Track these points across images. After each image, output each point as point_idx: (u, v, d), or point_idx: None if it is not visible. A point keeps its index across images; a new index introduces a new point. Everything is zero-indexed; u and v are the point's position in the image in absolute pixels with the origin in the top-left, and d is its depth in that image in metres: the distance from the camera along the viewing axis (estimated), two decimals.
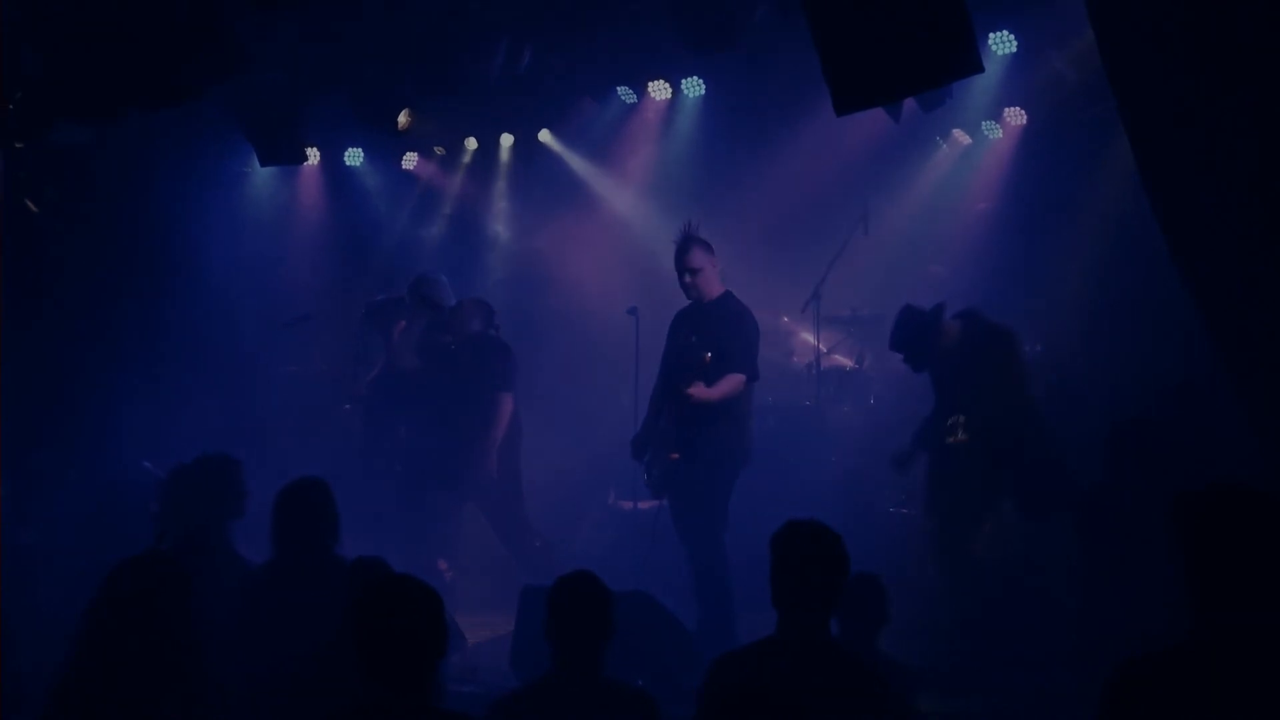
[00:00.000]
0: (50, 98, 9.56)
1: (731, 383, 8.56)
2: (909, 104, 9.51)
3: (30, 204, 10.47)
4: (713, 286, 8.82)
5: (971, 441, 8.18)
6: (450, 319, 10.41)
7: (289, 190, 13.00)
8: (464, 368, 10.21)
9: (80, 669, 4.99)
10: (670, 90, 11.59)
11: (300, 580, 6.20)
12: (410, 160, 12.80)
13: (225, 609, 6.08)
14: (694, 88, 11.47)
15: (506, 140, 12.61)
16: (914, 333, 8.35)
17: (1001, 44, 9.87)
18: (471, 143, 12.70)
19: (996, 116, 11.01)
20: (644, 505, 9.98)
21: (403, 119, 11.25)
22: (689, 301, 8.90)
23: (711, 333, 8.67)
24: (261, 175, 12.46)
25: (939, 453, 8.42)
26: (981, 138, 11.23)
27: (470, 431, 10.07)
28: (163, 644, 4.96)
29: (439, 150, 12.83)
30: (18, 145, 10.13)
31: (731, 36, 9.64)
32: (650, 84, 11.58)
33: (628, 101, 11.85)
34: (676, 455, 8.68)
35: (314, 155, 12.35)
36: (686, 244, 8.76)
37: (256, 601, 6.29)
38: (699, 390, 8.45)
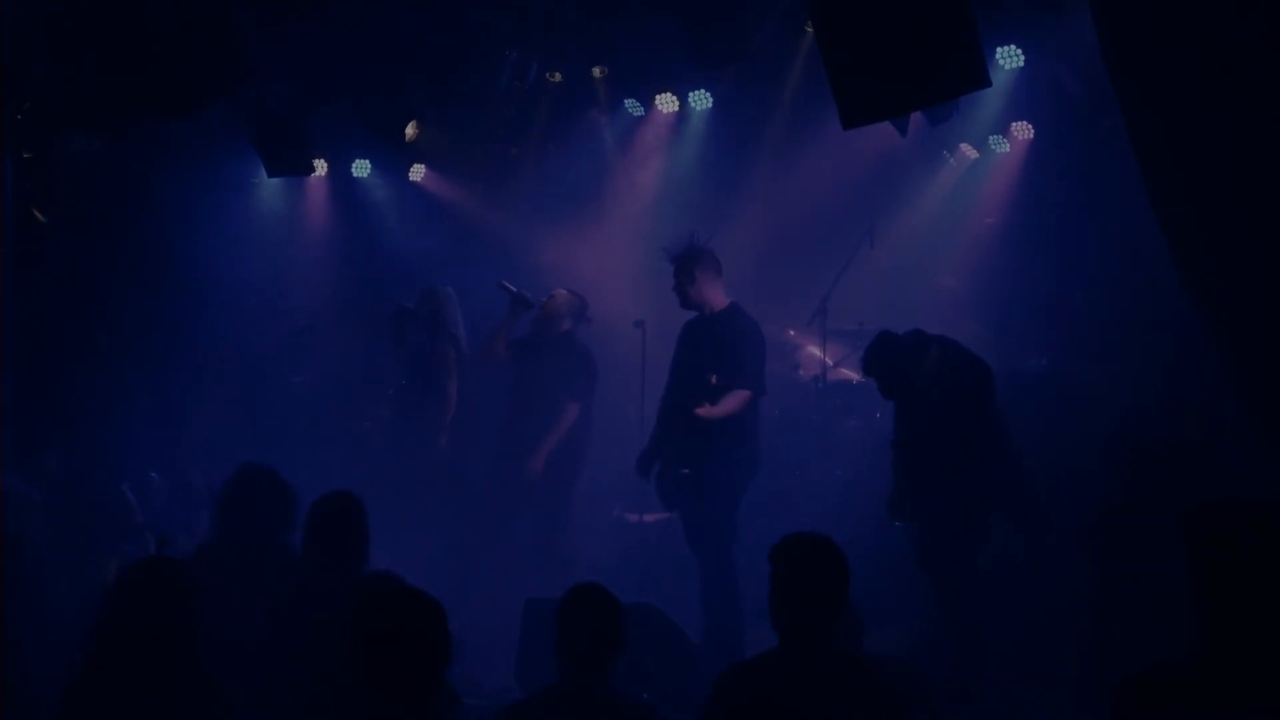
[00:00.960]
0: (58, 108, 9.61)
1: (738, 399, 8.58)
2: (916, 118, 9.50)
3: (38, 213, 10.47)
4: (715, 298, 8.84)
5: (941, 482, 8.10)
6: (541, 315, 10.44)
7: (296, 201, 13.02)
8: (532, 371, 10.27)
9: (91, 671, 5.02)
10: (678, 103, 11.64)
11: (326, 595, 6.07)
12: (417, 172, 12.81)
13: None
14: (701, 100, 11.52)
15: (514, 151, 12.63)
16: (890, 361, 8.26)
17: (1009, 59, 9.89)
18: (478, 154, 12.72)
19: (1004, 131, 11.02)
20: (650, 518, 9.99)
21: (410, 131, 11.29)
22: (694, 314, 8.93)
23: (718, 347, 8.68)
24: (269, 186, 12.48)
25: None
26: (989, 152, 11.24)
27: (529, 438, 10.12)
28: (170, 648, 4.98)
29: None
30: (26, 155, 10.16)
31: (739, 51, 9.68)
32: (658, 96, 11.64)
33: (635, 114, 11.89)
34: (687, 470, 8.70)
35: (321, 166, 12.38)
36: (681, 253, 8.80)
37: (279, 614, 6.21)
38: (707, 410, 8.49)
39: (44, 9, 8.81)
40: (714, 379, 8.55)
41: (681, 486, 8.77)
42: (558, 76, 11.29)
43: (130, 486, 9.75)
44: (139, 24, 8.57)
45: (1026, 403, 8.70)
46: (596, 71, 11.25)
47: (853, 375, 11.17)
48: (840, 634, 6.00)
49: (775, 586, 4.83)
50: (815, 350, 11.15)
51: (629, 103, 11.78)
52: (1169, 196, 6.28)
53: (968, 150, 11.35)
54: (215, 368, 11.83)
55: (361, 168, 12.90)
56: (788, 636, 4.82)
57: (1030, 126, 10.87)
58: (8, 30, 9.01)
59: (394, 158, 12.47)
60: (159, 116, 9.59)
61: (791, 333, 11.46)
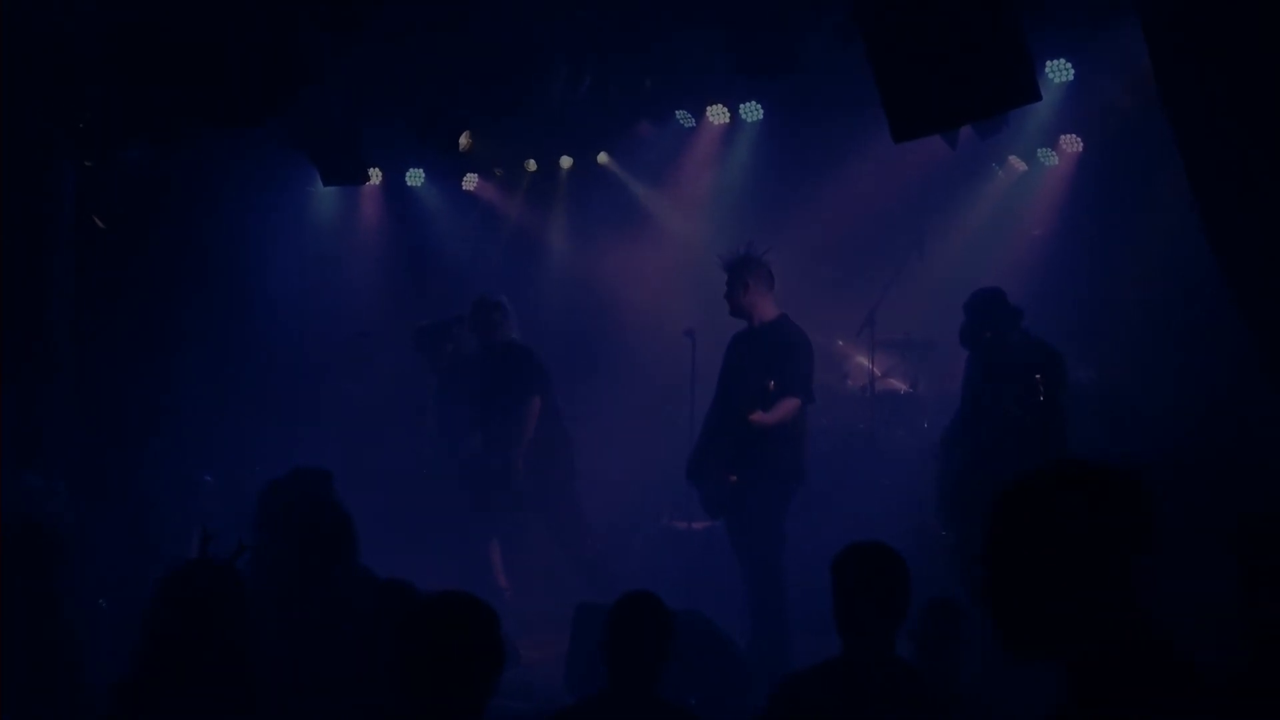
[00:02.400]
0: (119, 118, 9.75)
1: (788, 407, 8.64)
2: (965, 131, 9.52)
3: (98, 221, 10.63)
4: (765, 309, 8.91)
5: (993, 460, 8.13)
6: (474, 326, 10.62)
7: (351, 210, 13.17)
8: (492, 376, 10.40)
9: (141, 671, 5.07)
10: (728, 115, 11.68)
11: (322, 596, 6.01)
12: (470, 181, 12.92)
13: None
14: (752, 112, 11.57)
15: (566, 162, 12.73)
16: (990, 306, 8.32)
17: (1058, 72, 9.90)
18: (531, 164, 12.83)
19: (1053, 144, 11.05)
20: (698, 525, 10.06)
21: (463, 141, 11.42)
22: (744, 324, 9.00)
23: (768, 357, 8.75)
24: (324, 195, 12.64)
25: (963, 466, 8.39)
26: (1038, 164, 11.26)
27: (506, 439, 10.24)
28: (219, 649, 5.02)
29: (498, 172, 12.96)
30: (87, 164, 10.31)
31: (789, 63, 9.72)
32: (709, 108, 11.68)
33: (686, 125, 11.95)
34: (735, 478, 8.76)
35: (376, 175, 12.52)
36: (736, 261, 8.89)
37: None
38: (759, 416, 8.56)
39: (105, 21, 8.95)
40: (771, 384, 8.63)
41: (728, 494, 8.85)
42: (610, 88, 11.37)
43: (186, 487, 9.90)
44: (197, 36, 8.70)
45: (1072, 413, 8.71)
46: (648, 83, 11.32)
47: (900, 385, 11.21)
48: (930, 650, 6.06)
49: (838, 596, 4.84)
50: (864, 360, 11.18)
51: (680, 114, 11.83)
52: (1217, 210, 6.32)
53: (1016, 163, 11.38)
54: (271, 374, 11.96)
55: (415, 177, 13.03)
56: (850, 645, 4.82)
57: (1079, 139, 10.90)
58: (70, 42, 9.18)
59: (447, 167, 12.61)
60: (217, 127, 9.73)
61: (840, 343, 11.49)
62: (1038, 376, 8.12)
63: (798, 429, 8.81)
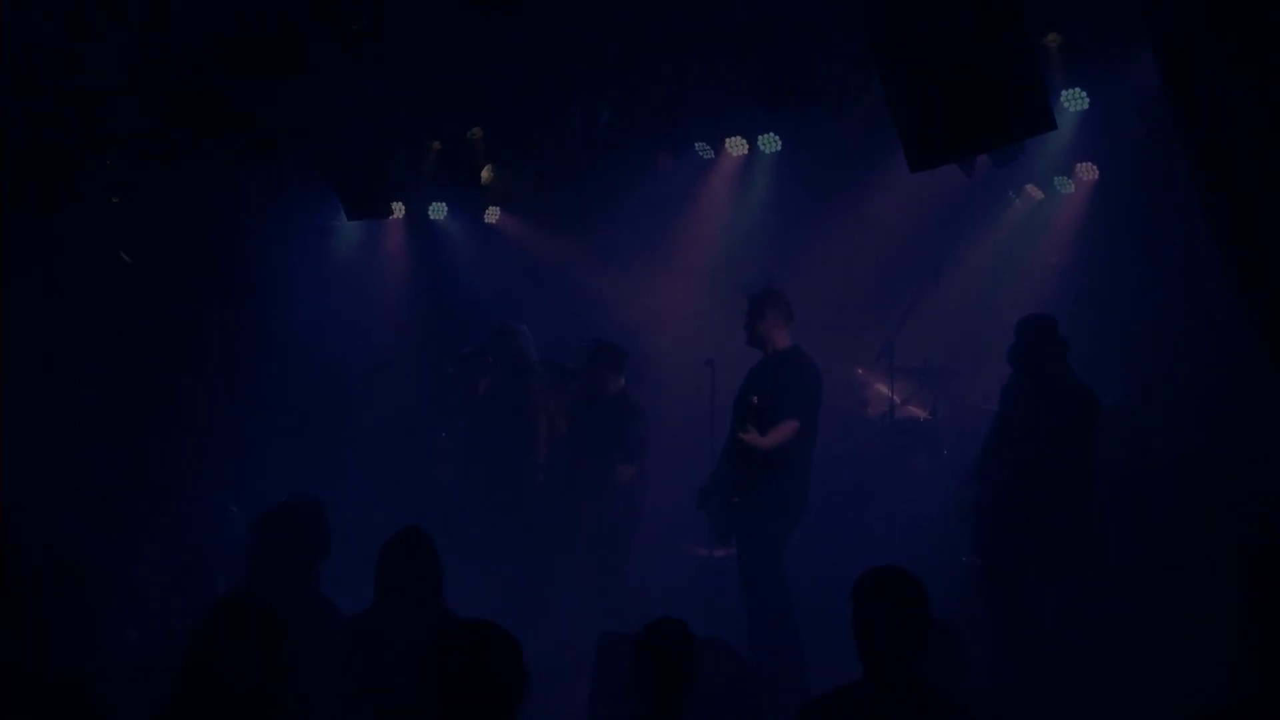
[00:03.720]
0: (144, 153, 9.87)
1: (784, 429, 8.73)
2: (982, 159, 9.59)
3: (124, 255, 10.74)
4: (780, 339, 9.01)
5: (1023, 487, 8.16)
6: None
7: (375, 242, 13.29)
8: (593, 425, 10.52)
9: (180, 707, 5.10)
10: (747, 146, 11.75)
11: (405, 632, 6.11)
12: (492, 214, 13.02)
13: (318, 652, 6.17)
14: (770, 144, 11.63)
15: (585, 193, 12.80)
16: (1042, 331, 8.35)
17: (1074, 101, 9.94)
18: (552, 197, 12.93)
19: (1068, 172, 11.07)
20: (719, 553, 10.11)
21: (485, 174, 11.52)
22: (760, 354, 9.10)
23: (770, 381, 8.85)
24: (348, 228, 12.76)
25: (997, 493, 8.43)
26: (1053, 192, 11.29)
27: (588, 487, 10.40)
28: (260, 684, 5.06)
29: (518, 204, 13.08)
30: (114, 200, 10.43)
31: (808, 95, 9.82)
32: (727, 140, 11.75)
33: (705, 157, 12.04)
34: (736, 499, 8.86)
35: (399, 209, 12.63)
36: (758, 292, 8.99)
37: (359, 650, 6.25)
38: (751, 436, 8.64)
39: (129, 57, 9.08)
40: (754, 399, 8.71)
41: (732, 517, 8.94)
42: (630, 122, 11.46)
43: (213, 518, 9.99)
44: (220, 71, 8.82)
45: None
46: (667, 117, 11.41)
47: (920, 412, 11.24)
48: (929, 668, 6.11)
49: (858, 621, 4.86)
50: (883, 388, 11.21)
51: (699, 146, 11.91)
52: (1231, 235, 6.36)
53: (1032, 191, 11.40)
54: (295, 405, 12.05)
55: (438, 210, 13.14)
56: (872, 671, 4.84)
57: (1095, 167, 10.93)
58: (96, 78, 9.31)
59: (469, 200, 12.72)
60: (240, 160, 9.85)
61: (859, 370, 11.54)
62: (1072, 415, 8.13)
63: (799, 456, 8.88)
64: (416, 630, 5.89)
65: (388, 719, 5.77)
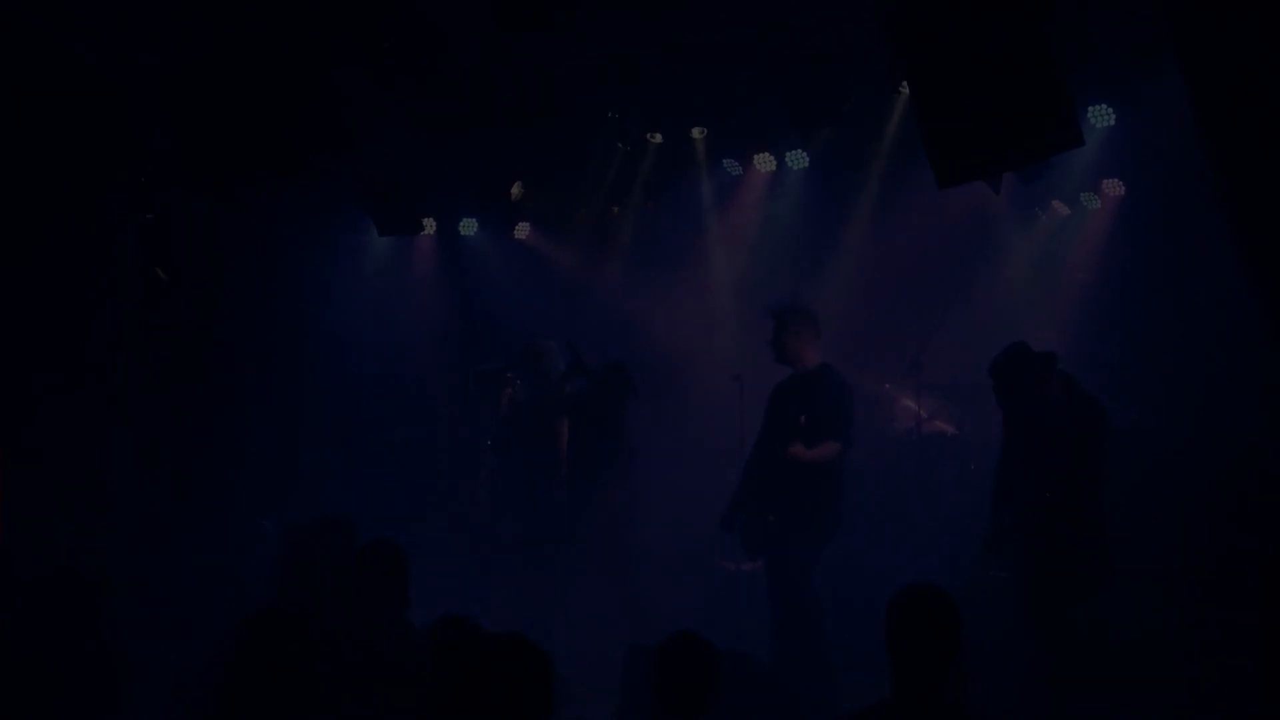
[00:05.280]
0: (177, 171, 9.96)
1: (828, 449, 8.83)
2: (1008, 175, 9.61)
3: (160, 272, 10.83)
4: (810, 356, 9.05)
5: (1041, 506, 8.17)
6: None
7: (406, 258, 13.39)
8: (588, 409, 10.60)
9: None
10: (775, 163, 11.81)
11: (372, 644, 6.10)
12: (522, 230, 13.10)
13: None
14: (798, 160, 11.68)
15: (614, 210, 12.87)
16: (1016, 366, 8.37)
17: (1100, 117, 9.99)
18: (582, 213, 13.00)
19: (1095, 188, 11.10)
20: (747, 566, 10.14)
21: (515, 190, 11.61)
22: (788, 371, 9.14)
23: (810, 402, 8.90)
24: (380, 244, 12.85)
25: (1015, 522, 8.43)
26: (1080, 208, 11.32)
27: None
28: (290, 698, 5.10)
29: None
30: (148, 216, 10.53)
31: (835, 112, 9.87)
32: (755, 156, 11.83)
33: (733, 173, 12.11)
34: (773, 517, 8.90)
35: (430, 225, 12.72)
36: (783, 308, 9.04)
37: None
38: (798, 450, 8.71)
39: (163, 77, 9.17)
40: (803, 419, 8.78)
41: (767, 534, 8.99)
42: (658, 138, 11.54)
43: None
44: (253, 89, 8.90)
45: (1115, 457, 8.75)
46: (696, 133, 11.49)
47: (947, 428, 11.26)
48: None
49: (891, 637, 4.86)
50: (910, 403, 11.24)
51: (727, 162, 12.01)
52: (1257, 254, 6.38)
53: (1059, 207, 11.43)
54: (326, 420, 12.14)
55: (469, 226, 13.23)
56: (901, 687, 4.84)
57: (1121, 183, 10.96)
58: (130, 96, 9.41)
59: (499, 216, 12.81)
60: (272, 176, 9.92)
61: (887, 386, 11.56)
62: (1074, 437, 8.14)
63: (835, 475, 8.95)
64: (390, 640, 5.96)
65: None
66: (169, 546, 9.52)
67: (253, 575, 9.44)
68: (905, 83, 9.51)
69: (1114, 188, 11.02)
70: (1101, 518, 7.99)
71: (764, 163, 11.87)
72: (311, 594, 6.94)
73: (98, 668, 6.03)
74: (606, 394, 10.49)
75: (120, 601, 7.41)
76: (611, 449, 10.45)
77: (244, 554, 9.94)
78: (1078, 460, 7.99)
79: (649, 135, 11.53)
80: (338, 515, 7.45)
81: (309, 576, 7.09)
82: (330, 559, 7.09)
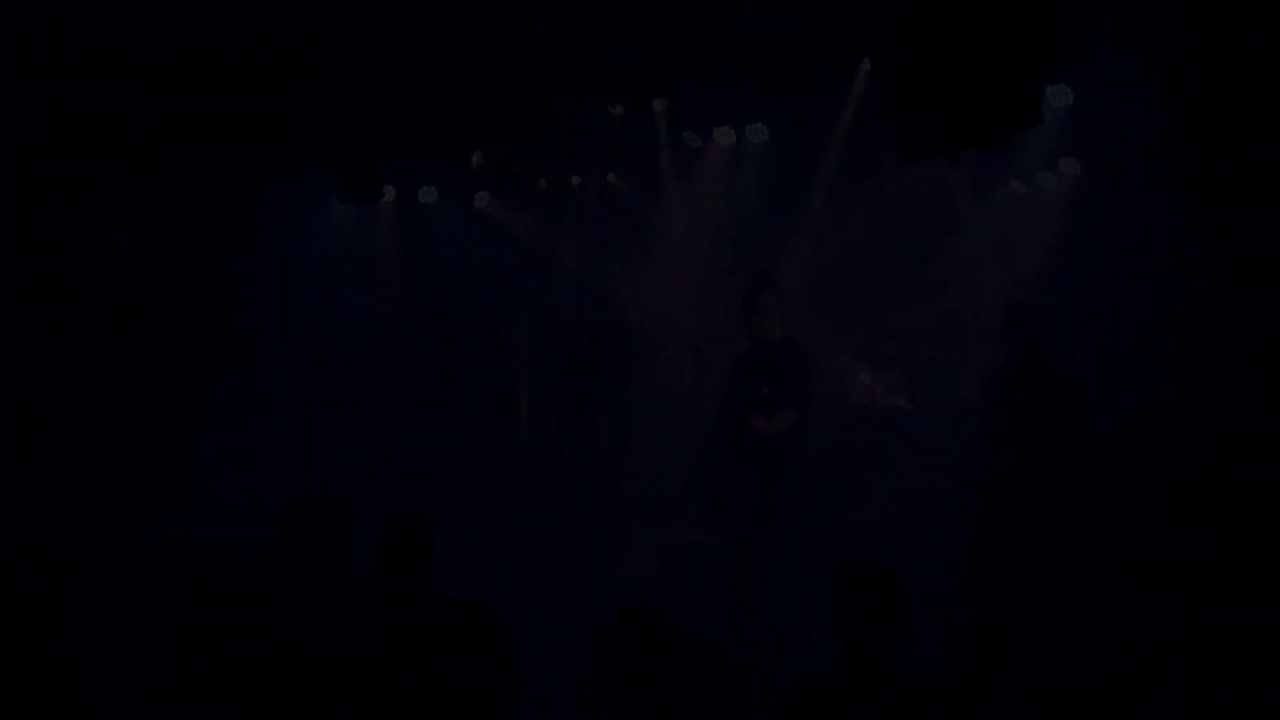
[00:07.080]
0: (143, 136, 9.92)
1: (788, 418, 8.87)
2: (967, 153, 9.66)
3: (121, 238, 10.79)
4: (774, 329, 9.12)
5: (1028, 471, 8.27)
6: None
7: (366, 226, 13.37)
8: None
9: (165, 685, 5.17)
10: (735, 136, 11.85)
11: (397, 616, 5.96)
12: (481, 199, 13.10)
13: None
14: (758, 134, 11.73)
15: (575, 181, 12.89)
16: (1030, 314, 8.44)
17: (1058, 96, 10.05)
18: (542, 183, 13.00)
19: (1052, 166, 11.17)
20: (703, 538, 10.19)
21: (476, 160, 11.59)
22: (749, 343, 9.19)
23: (772, 372, 8.96)
24: (339, 211, 12.83)
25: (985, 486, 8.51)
26: (1036, 187, 11.39)
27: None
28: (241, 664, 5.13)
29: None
30: (124, 193, 10.46)
31: (795, 86, 9.90)
32: (716, 130, 11.87)
33: (693, 146, 12.13)
34: (732, 488, 8.97)
35: (390, 193, 12.70)
36: (759, 288, 9.09)
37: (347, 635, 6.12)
38: (762, 422, 8.78)
39: (143, 50, 9.11)
40: (765, 390, 8.85)
41: (725, 504, 9.05)
42: (619, 110, 11.54)
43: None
44: (217, 60, 8.88)
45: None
46: (657, 105, 11.50)
47: (902, 403, 11.32)
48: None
49: (836, 608, 4.95)
50: (865, 378, 11.29)
51: (688, 135, 12.03)
52: (1214, 229, 6.46)
53: (1016, 185, 11.52)
54: (289, 386, 12.11)
55: (428, 195, 13.23)
56: (848, 658, 4.93)
57: (1078, 163, 11.03)
58: (109, 71, 9.35)
59: (459, 185, 12.79)
60: (232, 144, 9.88)
61: (842, 360, 11.61)
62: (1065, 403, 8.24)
63: (796, 446, 9.02)
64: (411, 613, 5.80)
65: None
66: (130, 520, 9.46)
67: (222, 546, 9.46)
68: (866, 58, 9.57)
69: (1071, 167, 11.09)
70: (1074, 494, 8.08)
71: (724, 136, 11.91)
72: (318, 568, 6.78)
73: (61, 645, 6.00)
74: (600, 351, 10.56)
75: (84, 576, 7.35)
76: (609, 400, 10.49)
77: (209, 524, 9.88)
78: (1055, 428, 8.07)
79: (610, 108, 11.54)
80: (337, 489, 7.34)
81: (314, 551, 7.00)
82: (334, 532, 6.92)
